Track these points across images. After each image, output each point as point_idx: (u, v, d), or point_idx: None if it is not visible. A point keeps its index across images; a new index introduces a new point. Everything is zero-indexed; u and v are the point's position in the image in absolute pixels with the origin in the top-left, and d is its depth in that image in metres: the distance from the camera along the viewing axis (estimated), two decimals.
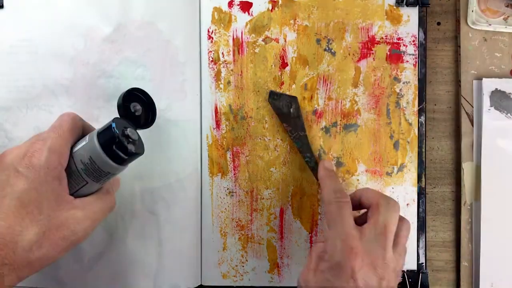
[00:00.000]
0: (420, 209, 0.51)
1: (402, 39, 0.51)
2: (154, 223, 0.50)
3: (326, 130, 0.51)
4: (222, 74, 0.51)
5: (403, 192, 0.51)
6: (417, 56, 0.51)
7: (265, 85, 0.50)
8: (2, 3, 0.49)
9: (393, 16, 0.50)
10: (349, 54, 0.51)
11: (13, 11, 0.49)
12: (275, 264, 0.51)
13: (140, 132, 0.43)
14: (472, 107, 0.51)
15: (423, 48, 0.51)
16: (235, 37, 0.51)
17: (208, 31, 0.51)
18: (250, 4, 0.51)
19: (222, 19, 0.51)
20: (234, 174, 0.51)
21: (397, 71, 0.51)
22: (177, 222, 0.50)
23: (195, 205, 0.51)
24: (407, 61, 0.51)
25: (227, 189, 0.51)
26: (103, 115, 0.49)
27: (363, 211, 0.44)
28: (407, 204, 0.51)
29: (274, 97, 0.50)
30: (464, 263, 0.51)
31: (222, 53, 0.50)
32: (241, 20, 0.50)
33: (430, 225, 0.52)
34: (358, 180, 0.51)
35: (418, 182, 0.51)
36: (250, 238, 0.51)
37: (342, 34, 0.50)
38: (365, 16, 0.50)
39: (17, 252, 0.36)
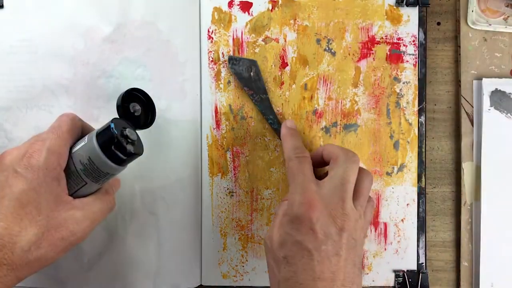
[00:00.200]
0: (420, 209, 0.51)
1: (402, 39, 0.51)
2: (154, 223, 0.50)
3: (326, 130, 0.51)
4: (222, 74, 0.51)
5: (403, 192, 0.51)
6: (417, 56, 0.51)
7: (265, 85, 0.50)
8: (2, 3, 0.49)
9: (393, 16, 0.50)
10: (349, 54, 0.50)
11: (13, 11, 0.49)
12: None
13: (140, 132, 0.43)
14: (472, 107, 0.51)
15: (423, 48, 0.51)
16: (235, 37, 0.51)
17: (208, 31, 0.51)
18: (250, 4, 0.50)
19: (222, 19, 0.51)
20: (234, 174, 0.51)
21: (397, 71, 0.50)
22: (177, 222, 0.50)
23: (195, 205, 0.51)
24: (407, 61, 0.51)
25: (227, 189, 0.51)
26: (103, 115, 0.49)
27: (328, 167, 0.44)
28: (407, 204, 0.51)
29: (233, 62, 0.50)
30: (464, 263, 0.51)
31: (222, 53, 0.50)
32: (241, 20, 0.50)
33: (430, 225, 0.52)
34: None
35: (418, 182, 0.51)
36: (250, 238, 0.51)
37: (342, 34, 0.50)
38: (365, 16, 0.50)
39: (16, 253, 0.36)
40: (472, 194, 0.51)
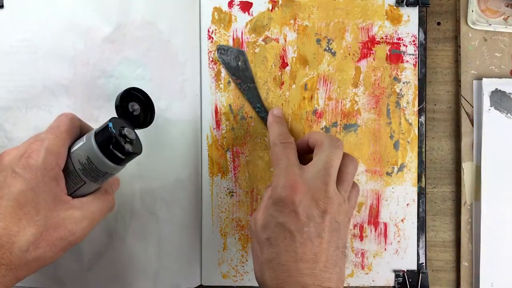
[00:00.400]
0: (420, 209, 0.51)
1: (402, 39, 0.50)
2: (154, 223, 0.50)
3: (326, 130, 0.51)
4: (222, 74, 0.51)
5: (403, 192, 0.51)
6: (417, 56, 0.51)
7: (265, 85, 0.50)
8: (2, 3, 0.49)
9: (393, 16, 0.50)
10: (349, 54, 0.50)
11: (13, 11, 0.49)
12: None
13: (141, 132, 0.43)
14: (472, 107, 0.51)
15: (423, 48, 0.51)
16: (235, 37, 0.51)
17: (208, 31, 0.51)
18: (250, 4, 0.50)
19: (222, 19, 0.51)
20: (234, 174, 0.51)
21: (397, 71, 0.50)
22: (177, 222, 0.50)
23: (195, 205, 0.51)
24: (407, 61, 0.51)
25: (227, 189, 0.51)
26: (103, 115, 0.49)
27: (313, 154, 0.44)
28: (407, 204, 0.51)
29: (222, 52, 0.50)
30: (464, 263, 0.51)
31: None
32: (241, 20, 0.50)
33: (430, 225, 0.52)
34: (358, 180, 0.51)
35: (418, 182, 0.51)
36: (250, 238, 0.51)
37: (342, 34, 0.50)
38: (365, 16, 0.50)
39: (14, 253, 0.36)
40: (472, 194, 0.51)
